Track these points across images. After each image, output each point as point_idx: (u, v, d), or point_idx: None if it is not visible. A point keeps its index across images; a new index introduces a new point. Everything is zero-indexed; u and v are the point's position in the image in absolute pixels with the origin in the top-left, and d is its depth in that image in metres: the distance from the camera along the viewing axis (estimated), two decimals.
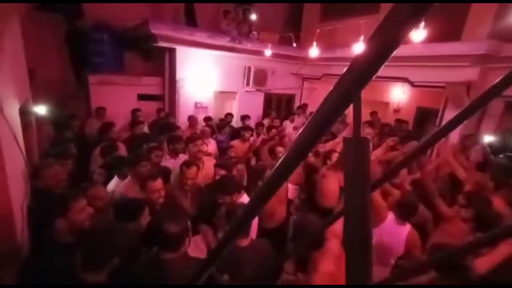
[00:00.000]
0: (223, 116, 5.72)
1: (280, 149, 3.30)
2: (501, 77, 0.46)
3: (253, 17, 6.39)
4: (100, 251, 1.24)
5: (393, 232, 2.18)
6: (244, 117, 5.61)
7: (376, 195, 2.29)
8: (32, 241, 1.80)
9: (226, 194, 2.23)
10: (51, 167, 2.14)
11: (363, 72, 0.30)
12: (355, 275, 0.32)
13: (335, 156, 3.24)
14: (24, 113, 2.30)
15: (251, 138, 4.40)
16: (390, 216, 2.26)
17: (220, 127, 5.03)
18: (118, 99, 5.24)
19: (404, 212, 2.19)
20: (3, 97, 1.49)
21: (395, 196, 2.50)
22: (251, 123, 5.56)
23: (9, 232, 1.57)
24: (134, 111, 4.83)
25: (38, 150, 2.98)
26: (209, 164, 3.10)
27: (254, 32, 6.22)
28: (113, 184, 2.48)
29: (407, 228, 2.19)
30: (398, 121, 5.68)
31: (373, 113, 6.11)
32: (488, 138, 3.93)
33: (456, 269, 1.46)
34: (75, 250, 1.26)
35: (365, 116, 6.11)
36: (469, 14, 4.25)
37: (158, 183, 2.20)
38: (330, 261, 1.54)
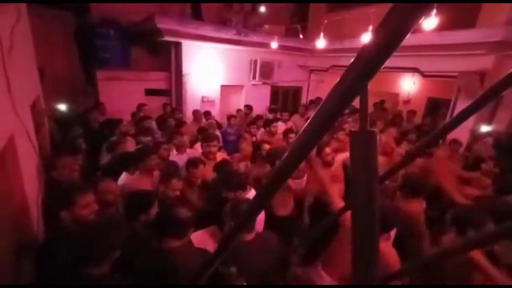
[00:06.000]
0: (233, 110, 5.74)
1: (267, 146, 3.25)
2: None
3: (262, 9, 6.31)
4: (100, 243, 1.26)
5: None
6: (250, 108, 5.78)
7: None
8: (45, 231, 1.87)
9: (229, 191, 2.24)
10: (64, 157, 2.20)
11: (369, 64, 0.29)
12: (361, 274, 0.32)
13: (325, 153, 2.97)
14: (35, 110, 2.35)
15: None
16: None
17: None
18: (126, 94, 5.30)
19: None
20: (15, 95, 1.52)
21: None
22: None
23: (26, 223, 1.63)
24: (140, 106, 4.83)
25: (50, 146, 3.06)
26: (219, 158, 3.09)
27: (261, 26, 6.15)
28: (123, 179, 2.53)
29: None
30: (410, 112, 5.61)
31: (378, 103, 5.98)
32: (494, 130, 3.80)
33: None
34: (78, 241, 1.29)
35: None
36: None
37: (181, 183, 2.29)
38: None
